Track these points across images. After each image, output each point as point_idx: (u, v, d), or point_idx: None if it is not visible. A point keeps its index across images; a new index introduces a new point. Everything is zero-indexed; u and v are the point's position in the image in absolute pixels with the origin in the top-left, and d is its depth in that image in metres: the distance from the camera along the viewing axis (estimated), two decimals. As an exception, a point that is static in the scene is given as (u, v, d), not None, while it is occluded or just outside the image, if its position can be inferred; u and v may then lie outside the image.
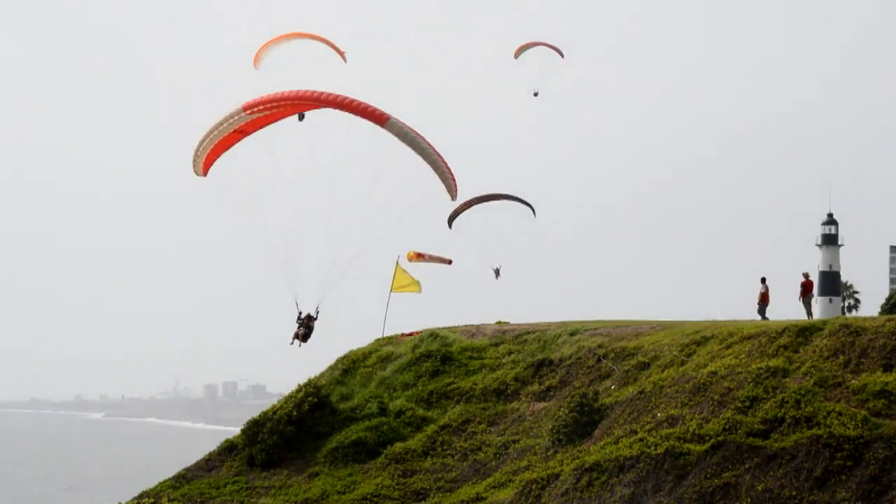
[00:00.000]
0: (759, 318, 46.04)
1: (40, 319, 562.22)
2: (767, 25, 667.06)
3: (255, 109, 31.73)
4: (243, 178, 32.77)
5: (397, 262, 50.00)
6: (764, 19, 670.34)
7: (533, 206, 53.70)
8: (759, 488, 27.95)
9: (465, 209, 52.65)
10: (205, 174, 33.69)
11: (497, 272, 56.39)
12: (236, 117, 32.10)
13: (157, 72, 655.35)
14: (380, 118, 31.34)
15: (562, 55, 56.03)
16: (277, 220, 32.75)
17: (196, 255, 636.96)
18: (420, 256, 50.47)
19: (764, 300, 47.24)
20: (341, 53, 38.95)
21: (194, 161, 33.38)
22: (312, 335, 35.35)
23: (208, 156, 33.11)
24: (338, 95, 31.55)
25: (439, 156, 32.43)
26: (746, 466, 28.62)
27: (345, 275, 33.62)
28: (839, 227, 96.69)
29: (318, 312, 35.05)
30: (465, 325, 45.25)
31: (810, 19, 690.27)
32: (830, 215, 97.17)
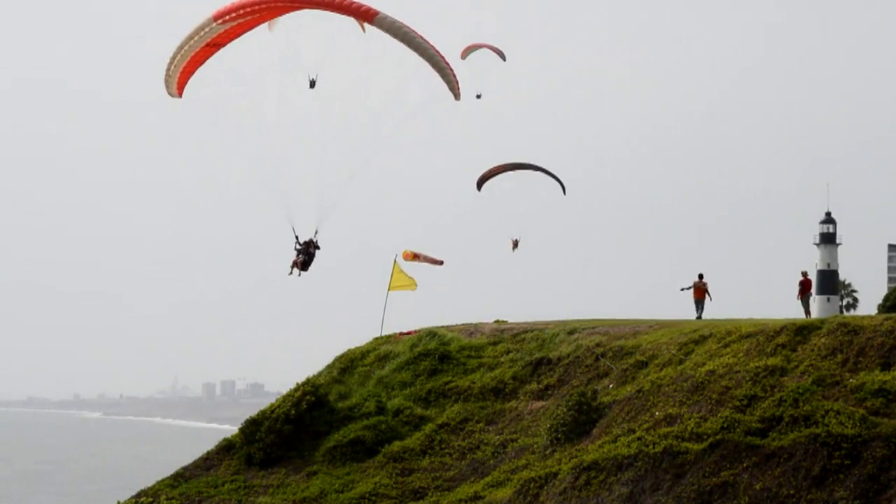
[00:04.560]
0: (695, 316, 45.69)
1: (38, 318, 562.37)
2: (766, 24, 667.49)
3: (228, 17, 29.45)
4: (222, 98, 30.68)
5: (395, 262, 49.98)
6: (764, 18, 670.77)
7: (563, 183, 52.92)
8: (758, 487, 27.96)
9: (496, 174, 51.87)
10: (179, 94, 31.51)
11: (515, 243, 55.67)
12: (207, 29, 29.93)
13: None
14: (366, 14, 28.96)
15: (503, 58, 55.45)
16: (264, 137, 30.63)
17: (195, 254, 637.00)
18: (416, 257, 50.38)
19: (699, 295, 46.83)
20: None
21: (166, 81, 31.27)
22: (312, 264, 32.80)
23: (181, 74, 30.94)
24: None
25: (437, 52, 29.88)
26: (744, 465, 28.62)
27: (343, 191, 31.47)
28: (837, 225, 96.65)
29: (317, 238, 32.77)
30: (464, 324, 45.21)
31: (809, 18, 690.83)
32: (828, 214, 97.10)
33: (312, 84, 30.92)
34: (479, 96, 56.48)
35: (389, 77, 30.34)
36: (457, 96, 31.00)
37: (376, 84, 30.38)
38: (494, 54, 55.40)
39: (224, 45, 30.53)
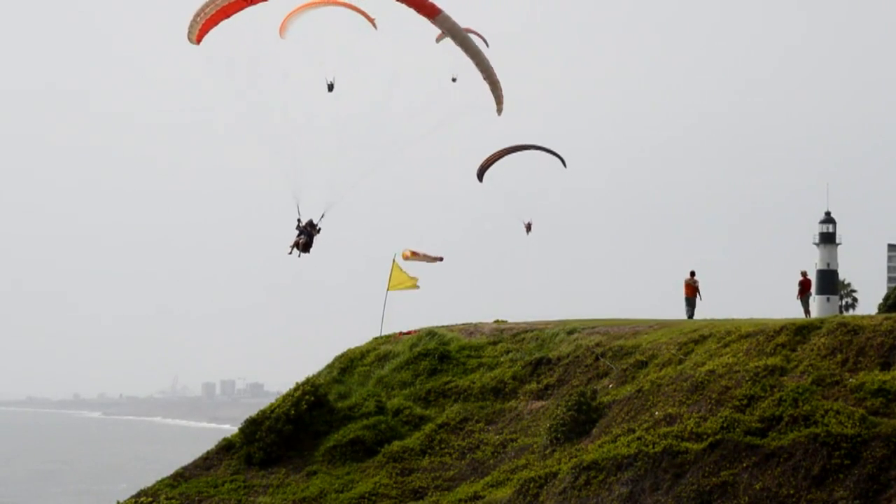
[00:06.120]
0: (685, 316, 45.53)
1: (38, 317, 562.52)
2: (766, 23, 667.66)
3: None
4: (244, 71, 30.07)
5: (394, 261, 49.93)
6: (764, 17, 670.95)
7: (563, 157, 52.39)
8: (757, 487, 27.96)
9: (494, 160, 51.43)
10: (198, 42, 30.64)
11: (528, 227, 55.10)
12: None
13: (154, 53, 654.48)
14: (430, 10, 28.36)
15: (487, 44, 54.86)
16: (285, 111, 30.20)
17: (195, 255, 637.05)
18: (415, 255, 50.34)
19: (690, 293, 46.69)
20: (371, 20, 38.22)
21: (191, 26, 30.27)
22: (313, 246, 32.16)
23: (207, 21, 30.00)
24: None
25: (490, 64, 29.59)
26: (744, 465, 28.63)
27: (357, 183, 31.09)
28: (837, 225, 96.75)
29: (319, 223, 32.30)
30: (463, 324, 45.18)
31: (809, 19, 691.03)
32: (828, 213, 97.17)
33: (330, 88, 30.70)
34: (454, 79, 55.84)
35: (411, 84, 30.18)
36: (500, 111, 30.61)
37: (400, 88, 30.23)
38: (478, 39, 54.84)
39: (256, 2, 29.54)
